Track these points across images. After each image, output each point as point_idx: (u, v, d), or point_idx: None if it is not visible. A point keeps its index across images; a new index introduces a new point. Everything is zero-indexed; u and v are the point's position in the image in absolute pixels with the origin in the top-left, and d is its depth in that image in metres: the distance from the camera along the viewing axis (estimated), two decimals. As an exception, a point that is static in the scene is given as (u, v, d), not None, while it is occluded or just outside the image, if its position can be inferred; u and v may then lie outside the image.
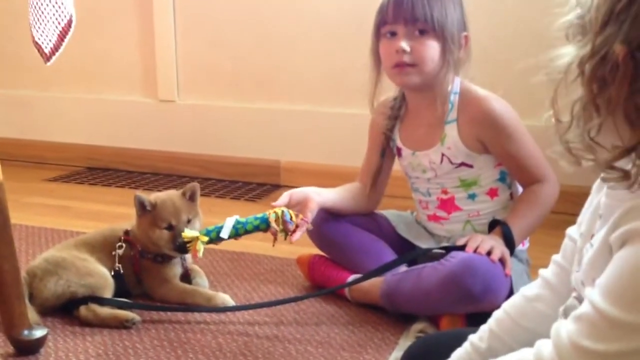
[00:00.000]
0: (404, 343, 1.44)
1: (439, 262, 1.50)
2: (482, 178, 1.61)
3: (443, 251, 1.55)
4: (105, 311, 1.57)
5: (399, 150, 1.71)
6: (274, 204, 1.58)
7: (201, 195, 1.74)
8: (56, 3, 1.46)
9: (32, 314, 1.47)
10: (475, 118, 1.57)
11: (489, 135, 1.57)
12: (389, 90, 1.69)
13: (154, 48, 2.92)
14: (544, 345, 0.78)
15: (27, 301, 1.47)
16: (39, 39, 1.46)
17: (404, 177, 1.75)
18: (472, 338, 0.96)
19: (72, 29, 1.49)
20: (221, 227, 1.54)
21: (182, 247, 1.59)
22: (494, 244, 1.49)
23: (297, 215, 1.55)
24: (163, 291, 1.68)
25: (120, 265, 1.66)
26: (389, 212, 1.78)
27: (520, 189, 1.63)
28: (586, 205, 0.88)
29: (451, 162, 1.60)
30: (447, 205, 1.65)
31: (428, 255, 1.59)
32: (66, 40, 1.49)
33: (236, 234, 1.54)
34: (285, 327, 1.56)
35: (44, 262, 1.62)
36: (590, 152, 0.75)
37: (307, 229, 1.59)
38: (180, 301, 1.65)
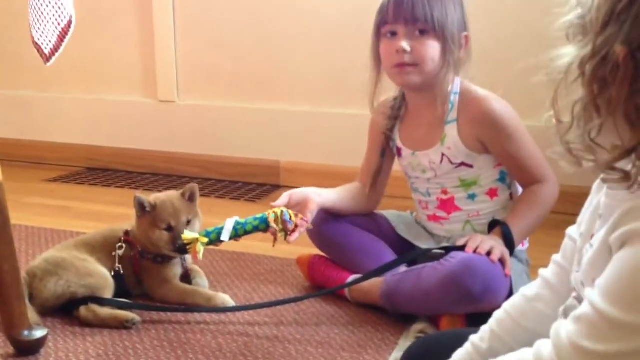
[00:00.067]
0: (404, 343, 1.44)
1: (438, 263, 1.50)
2: (482, 178, 1.61)
3: (443, 251, 1.55)
4: (106, 311, 1.57)
5: (398, 150, 1.71)
6: (273, 204, 1.58)
7: (201, 195, 1.74)
8: (56, 4, 1.46)
9: (32, 314, 1.47)
10: (475, 118, 1.57)
11: (489, 136, 1.57)
12: (389, 90, 1.69)
13: (154, 48, 2.92)
14: (544, 346, 0.78)
15: (27, 301, 1.47)
16: (38, 39, 1.46)
17: (404, 178, 1.75)
18: (473, 338, 0.96)
19: (72, 30, 1.49)
20: (221, 229, 1.54)
21: (182, 248, 1.59)
22: (494, 244, 1.49)
23: (296, 215, 1.55)
24: (163, 291, 1.68)
25: (120, 266, 1.66)
26: (388, 213, 1.78)
27: (520, 190, 1.63)
28: (586, 205, 0.88)
29: (451, 162, 1.60)
30: (447, 205, 1.65)
31: (428, 256, 1.59)
32: (66, 40, 1.49)
33: (236, 235, 1.55)
34: (285, 327, 1.56)
35: (44, 263, 1.62)
36: (590, 153, 0.75)
37: (307, 228, 1.60)
38: (180, 301, 1.65)
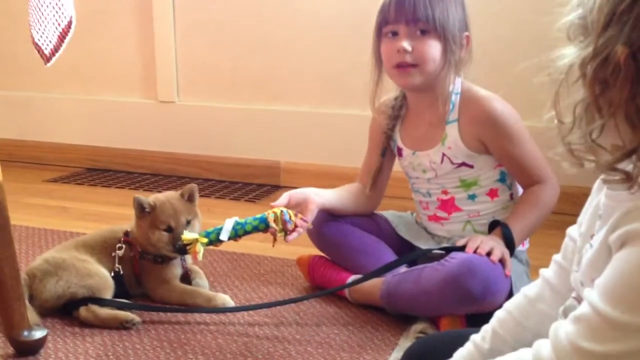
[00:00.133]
0: (404, 344, 1.44)
1: (439, 263, 1.50)
2: (482, 178, 1.61)
3: (443, 252, 1.55)
4: (105, 312, 1.56)
5: (399, 150, 1.71)
6: (273, 204, 1.58)
7: (201, 196, 1.74)
8: (56, 4, 1.46)
9: (32, 314, 1.47)
10: (476, 118, 1.57)
11: (489, 136, 1.57)
12: (391, 90, 1.69)
13: (154, 49, 2.92)
14: (543, 346, 0.78)
15: (27, 302, 1.47)
16: (38, 40, 1.46)
17: (404, 178, 1.75)
18: (475, 338, 0.96)
19: (72, 30, 1.49)
20: (220, 229, 1.55)
21: (182, 249, 1.59)
22: (494, 244, 1.49)
23: (296, 215, 1.55)
24: (163, 292, 1.68)
25: (120, 266, 1.66)
26: (388, 213, 1.78)
27: (520, 190, 1.63)
28: (586, 205, 0.88)
29: (452, 162, 1.60)
30: (447, 205, 1.65)
31: (428, 256, 1.59)
32: (66, 41, 1.49)
33: (235, 235, 1.55)
34: (285, 327, 1.56)
35: (44, 263, 1.62)
36: (592, 154, 0.74)
37: (307, 229, 1.60)
38: (180, 302, 1.65)
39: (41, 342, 1.44)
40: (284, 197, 1.61)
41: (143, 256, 1.69)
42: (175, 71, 2.91)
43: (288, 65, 2.74)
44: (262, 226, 1.53)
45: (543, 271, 0.97)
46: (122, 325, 1.54)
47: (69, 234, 2.13)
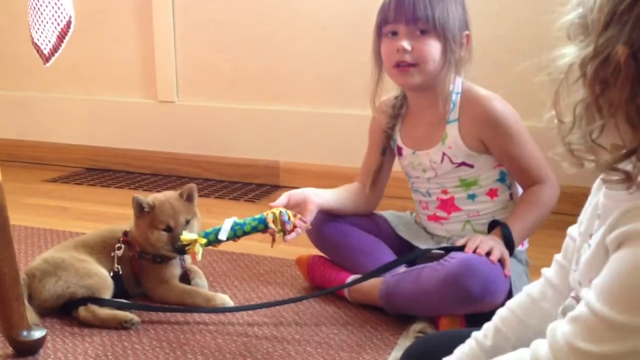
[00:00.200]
0: (403, 343, 1.44)
1: (438, 263, 1.50)
2: (482, 178, 1.61)
3: (442, 252, 1.55)
4: (105, 312, 1.56)
5: (399, 149, 1.70)
6: (272, 204, 1.58)
7: (200, 196, 1.74)
8: (55, 4, 1.45)
9: (31, 314, 1.47)
10: (476, 117, 1.57)
11: (489, 135, 1.57)
12: (391, 89, 1.69)
13: (154, 49, 2.92)
14: (540, 346, 0.78)
15: (26, 302, 1.47)
16: (38, 40, 1.46)
17: (403, 178, 1.75)
18: (477, 335, 0.96)
19: (71, 30, 1.49)
20: (219, 229, 1.55)
21: (181, 249, 1.59)
22: (494, 244, 1.49)
23: (295, 216, 1.55)
24: (162, 292, 1.68)
25: (119, 266, 1.66)
26: (388, 213, 1.78)
27: (520, 190, 1.63)
28: (586, 204, 0.88)
29: (452, 162, 1.60)
30: (447, 205, 1.65)
31: (427, 256, 1.59)
32: (65, 41, 1.49)
33: (234, 235, 1.55)
34: (284, 327, 1.56)
35: (43, 263, 1.62)
36: (592, 154, 0.74)
37: (307, 228, 1.59)
38: (179, 302, 1.65)
39: (40, 342, 1.44)
40: (283, 197, 1.60)
41: (142, 256, 1.68)
42: (175, 71, 2.91)
43: (288, 65, 2.74)
44: (261, 227, 1.53)
45: (545, 271, 0.97)
46: (122, 325, 1.54)
47: (68, 233, 2.13)
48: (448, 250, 1.54)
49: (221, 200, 2.62)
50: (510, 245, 1.51)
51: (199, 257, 1.55)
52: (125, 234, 1.70)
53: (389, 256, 1.64)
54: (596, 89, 0.72)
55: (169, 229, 1.64)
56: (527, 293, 0.97)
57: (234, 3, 2.78)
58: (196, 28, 2.86)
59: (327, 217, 1.69)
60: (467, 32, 1.57)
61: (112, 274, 1.65)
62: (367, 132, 1.78)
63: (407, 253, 1.64)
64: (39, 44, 1.47)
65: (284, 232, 1.53)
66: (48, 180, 2.89)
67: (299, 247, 1.81)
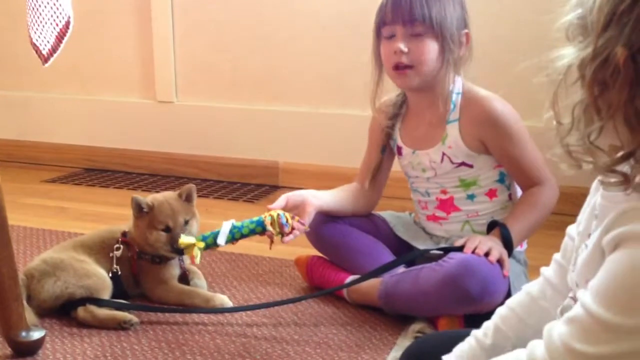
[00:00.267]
0: (402, 343, 1.44)
1: (437, 263, 1.50)
2: (481, 178, 1.61)
3: (441, 252, 1.55)
4: (103, 312, 1.56)
5: (399, 149, 1.70)
6: (270, 206, 1.58)
7: (199, 196, 1.73)
8: (54, 4, 1.45)
9: (29, 315, 1.47)
10: (476, 118, 1.57)
11: (489, 136, 1.57)
12: (391, 90, 1.69)
13: (152, 49, 2.92)
14: (537, 347, 0.78)
15: (24, 302, 1.47)
16: (36, 40, 1.46)
17: (402, 179, 1.75)
18: (476, 333, 0.96)
19: (70, 30, 1.49)
20: (217, 233, 1.54)
21: (180, 249, 1.59)
22: (492, 245, 1.49)
23: (293, 218, 1.55)
24: (161, 292, 1.68)
25: (117, 267, 1.66)
26: (386, 213, 1.78)
27: (519, 191, 1.63)
28: (585, 204, 0.88)
29: (451, 162, 1.60)
30: (446, 205, 1.65)
31: (426, 256, 1.59)
32: (64, 41, 1.49)
33: (232, 238, 1.54)
34: (283, 328, 1.56)
35: (42, 264, 1.62)
36: (590, 155, 0.74)
37: (305, 230, 1.59)
38: (178, 302, 1.65)
39: (39, 342, 1.43)
40: (281, 199, 1.60)
41: (141, 256, 1.68)
42: (174, 71, 2.91)
43: (288, 65, 2.74)
44: (259, 229, 1.53)
45: (544, 270, 0.97)
46: (120, 326, 1.54)
47: (67, 234, 2.12)
48: (447, 250, 1.54)
49: (220, 200, 2.62)
50: (509, 245, 1.51)
51: (197, 260, 1.54)
52: (124, 234, 1.70)
53: (388, 257, 1.64)
54: (595, 91, 0.72)
55: (167, 230, 1.64)
56: (526, 292, 0.97)
57: (233, 3, 2.77)
58: (195, 28, 2.85)
59: (326, 217, 1.69)
60: (466, 31, 1.57)
61: (110, 274, 1.65)
62: (366, 133, 1.78)
63: (406, 253, 1.64)
64: (37, 44, 1.47)
65: (282, 234, 1.52)
66: (47, 181, 2.89)
67: (298, 247, 1.81)
